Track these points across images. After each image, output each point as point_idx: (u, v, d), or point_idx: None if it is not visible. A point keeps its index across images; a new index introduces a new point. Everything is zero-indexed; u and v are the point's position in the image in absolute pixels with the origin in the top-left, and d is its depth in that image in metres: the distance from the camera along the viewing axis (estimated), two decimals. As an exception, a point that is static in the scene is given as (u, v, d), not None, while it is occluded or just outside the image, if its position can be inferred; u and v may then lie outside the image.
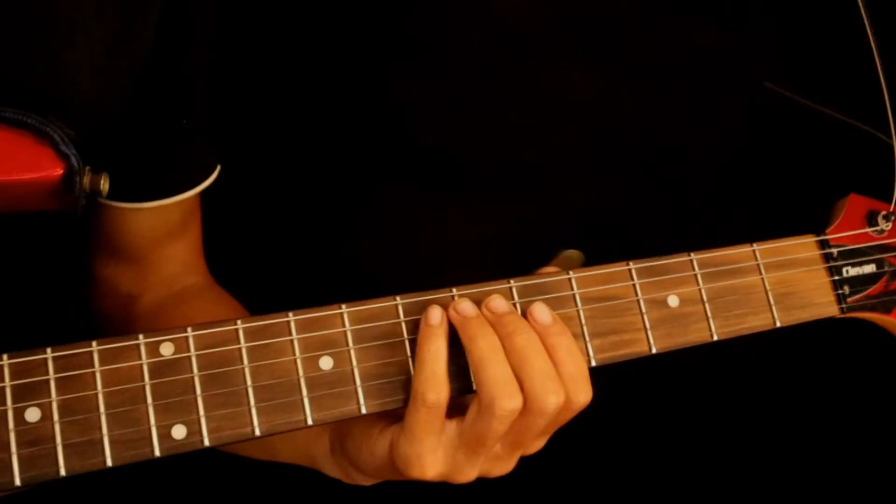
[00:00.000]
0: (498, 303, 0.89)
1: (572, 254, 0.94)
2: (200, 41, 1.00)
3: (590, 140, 1.20)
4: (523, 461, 0.92)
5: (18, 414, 0.80)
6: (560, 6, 1.16)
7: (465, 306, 0.88)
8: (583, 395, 0.88)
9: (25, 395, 0.81)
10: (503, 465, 0.91)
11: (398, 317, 0.89)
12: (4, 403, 0.80)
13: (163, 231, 1.07)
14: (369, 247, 1.17)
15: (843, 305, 1.00)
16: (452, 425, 0.88)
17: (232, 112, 1.09)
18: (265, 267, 1.22)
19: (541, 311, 0.90)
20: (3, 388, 0.80)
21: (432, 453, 0.88)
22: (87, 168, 0.87)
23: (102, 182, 0.88)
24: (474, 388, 0.88)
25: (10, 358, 0.81)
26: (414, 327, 0.89)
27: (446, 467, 0.89)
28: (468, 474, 0.90)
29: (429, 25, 1.14)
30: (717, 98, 1.22)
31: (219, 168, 1.07)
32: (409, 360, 0.88)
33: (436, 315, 0.87)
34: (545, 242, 0.93)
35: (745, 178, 1.23)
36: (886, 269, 1.02)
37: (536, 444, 0.92)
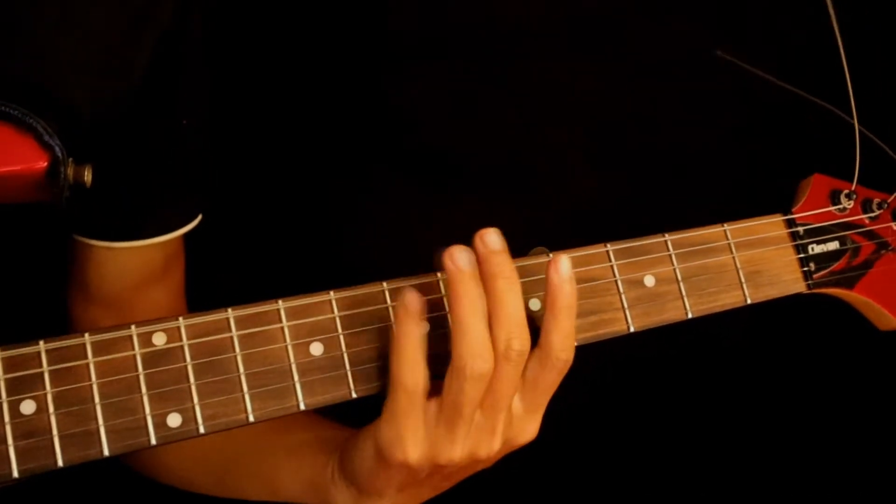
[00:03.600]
0: (493, 238, 0.88)
1: (539, 251, 0.96)
2: (194, 77, 1.00)
3: (590, 139, 1.21)
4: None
5: (14, 406, 0.81)
6: (560, 6, 1.17)
7: (463, 259, 0.87)
8: (566, 353, 0.89)
9: (20, 387, 0.81)
10: (488, 440, 0.91)
11: (385, 302, 0.90)
12: (-1, 396, 0.81)
13: (143, 274, 1.05)
14: (368, 246, 1.17)
15: (810, 282, 1.03)
16: (432, 404, 0.89)
17: (229, 110, 1.09)
18: (263, 267, 1.22)
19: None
20: (-2, 381, 0.81)
21: (413, 434, 0.89)
22: (71, 159, 0.87)
23: (86, 173, 0.88)
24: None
25: (2, 351, 0.81)
26: (401, 312, 0.90)
27: (427, 446, 0.89)
28: (451, 452, 0.90)
29: (429, 25, 1.14)
30: (718, 97, 1.23)
31: (200, 216, 1.05)
32: (397, 343, 0.90)
33: (413, 300, 0.86)
34: (544, 242, 0.94)
35: (745, 177, 1.25)
36: (849, 245, 1.06)
37: (527, 428, 0.92)
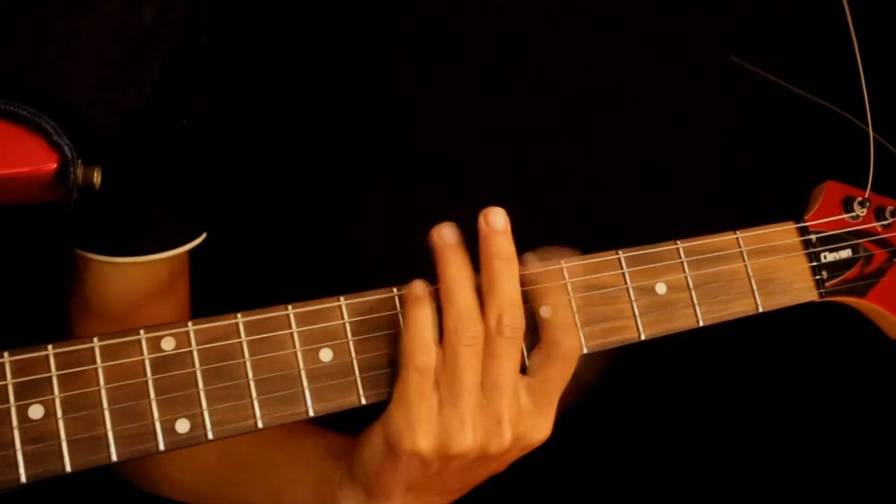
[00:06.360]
0: (497, 218, 0.91)
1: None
2: (200, 85, 0.99)
3: (590, 140, 1.20)
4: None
5: (22, 411, 0.80)
6: (563, 6, 1.16)
7: (447, 232, 0.90)
8: (571, 338, 0.91)
9: (28, 392, 0.81)
10: (496, 429, 0.90)
11: (395, 308, 0.90)
12: (7, 401, 0.80)
13: (148, 291, 1.03)
14: (368, 247, 1.17)
15: (822, 290, 1.03)
16: (437, 388, 0.89)
17: (229, 111, 1.08)
18: (262, 266, 1.21)
19: (531, 261, 0.92)
20: (6, 385, 0.80)
21: (424, 419, 0.88)
22: (80, 160, 0.86)
23: (95, 175, 0.87)
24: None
25: (11, 355, 0.81)
26: (411, 318, 0.90)
27: (437, 433, 0.89)
28: (461, 439, 0.89)
29: (428, 25, 1.13)
30: (728, 102, 1.23)
31: (205, 234, 1.04)
32: (408, 350, 0.89)
33: (419, 286, 0.89)
34: (544, 242, 0.94)
35: (757, 184, 1.24)
36: (861, 253, 1.05)
37: (538, 424, 0.92)
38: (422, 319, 0.88)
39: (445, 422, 0.89)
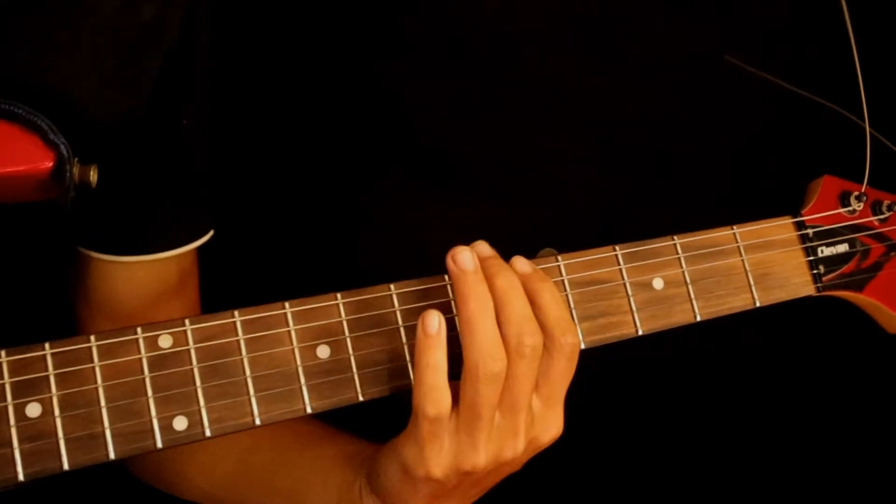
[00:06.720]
0: (483, 247, 0.89)
1: (548, 252, 0.96)
2: (201, 84, 0.99)
3: (590, 140, 1.21)
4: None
5: (19, 410, 0.80)
6: (563, 7, 1.17)
7: (465, 258, 0.87)
8: (570, 335, 0.89)
9: (25, 390, 0.81)
10: (511, 441, 0.90)
11: (393, 305, 0.90)
12: (4, 399, 0.80)
13: (157, 290, 1.03)
14: (368, 247, 1.17)
15: (819, 284, 1.03)
16: (453, 416, 0.88)
17: (231, 112, 1.08)
18: (262, 266, 1.22)
19: (521, 262, 0.91)
20: (3, 384, 0.80)
21: (437, 452, 0.88)
22: (76, 159, 0.87)
23: (91, 173, 0.88)
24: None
25: (8, 355, 0.81)
26: (408, 315, 0.90)
27: (451, 457, 0.88)
28: (475, 458, 0.89)
29: (428, 25, 1.14)
30: (725, 98, 1.23)
31: (212, 231, 1.04)
32: (405, 346, 0.90)
33: (433, 322, 0.86)
34: (547, 243, 0.94)
35: (755, 178, 1.24)
36: (858, 248, 1.05)
37: (549, 425, 0.91)
38: (434, 365, 0.85)
39: (461, 447, 0.88)
